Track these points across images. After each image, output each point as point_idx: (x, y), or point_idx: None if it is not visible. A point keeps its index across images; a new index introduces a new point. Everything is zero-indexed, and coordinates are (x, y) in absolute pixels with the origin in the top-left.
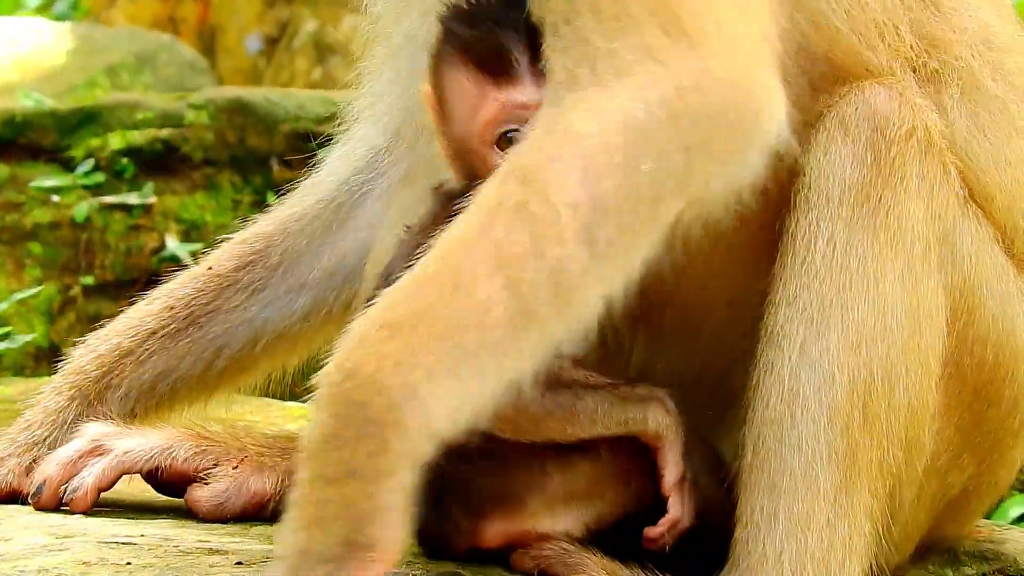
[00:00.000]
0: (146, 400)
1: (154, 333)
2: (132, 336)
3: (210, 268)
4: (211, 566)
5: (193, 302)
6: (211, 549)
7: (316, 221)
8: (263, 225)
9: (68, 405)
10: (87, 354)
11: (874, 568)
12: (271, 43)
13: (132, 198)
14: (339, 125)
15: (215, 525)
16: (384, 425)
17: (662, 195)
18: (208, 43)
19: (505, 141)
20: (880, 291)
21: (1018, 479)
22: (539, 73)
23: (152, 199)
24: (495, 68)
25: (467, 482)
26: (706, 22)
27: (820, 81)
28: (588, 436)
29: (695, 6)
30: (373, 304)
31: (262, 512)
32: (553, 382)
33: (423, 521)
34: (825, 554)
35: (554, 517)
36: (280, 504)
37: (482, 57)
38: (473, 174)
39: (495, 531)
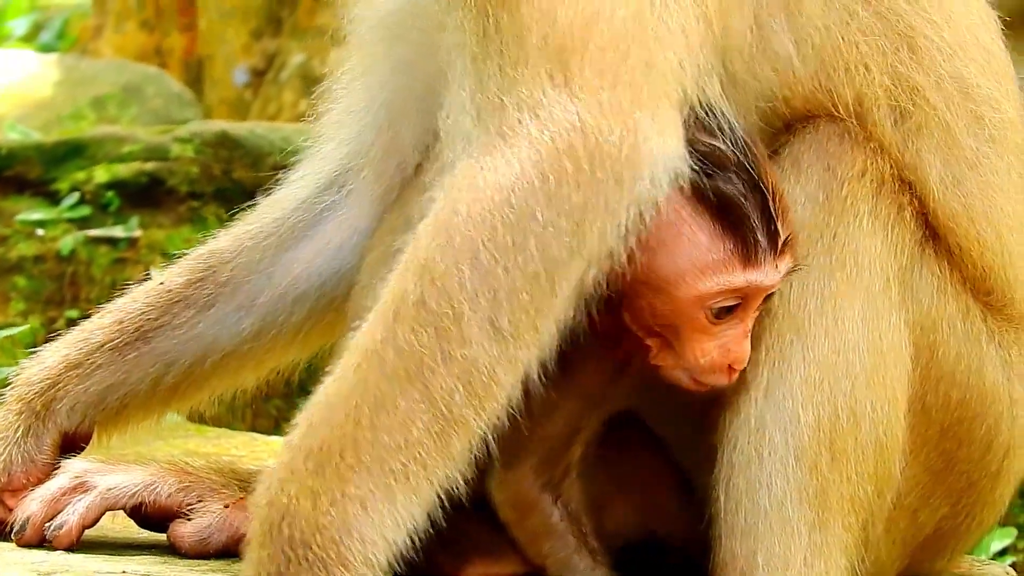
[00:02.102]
0: (94, 413)
1: (102, 346)
2: (80, 349)
3: (162, 283)
4: None
5: (142, 317)
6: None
7: (271, 239)
8: (219, 242)
9: (16, 420)
10: (35, 367)
11: None
12: (258, 75)
13: (118, 231)
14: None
15: (198, 561)
16: (327, 563)
17: (559, 265)
18: (195, 75)
19: (723, 312)
20: (840, 329)
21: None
22: (787, 247)
23: (138, 232)
24: (754, 241)
25: (452, 527)
26: (593, 65)
27: (779, 118)
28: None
29: (586, 46)
30: (298, 426)
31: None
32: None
33: (404, 562)
34: None
35: (532, 566)
36: None
37: (743, 225)
38: (647, 307)
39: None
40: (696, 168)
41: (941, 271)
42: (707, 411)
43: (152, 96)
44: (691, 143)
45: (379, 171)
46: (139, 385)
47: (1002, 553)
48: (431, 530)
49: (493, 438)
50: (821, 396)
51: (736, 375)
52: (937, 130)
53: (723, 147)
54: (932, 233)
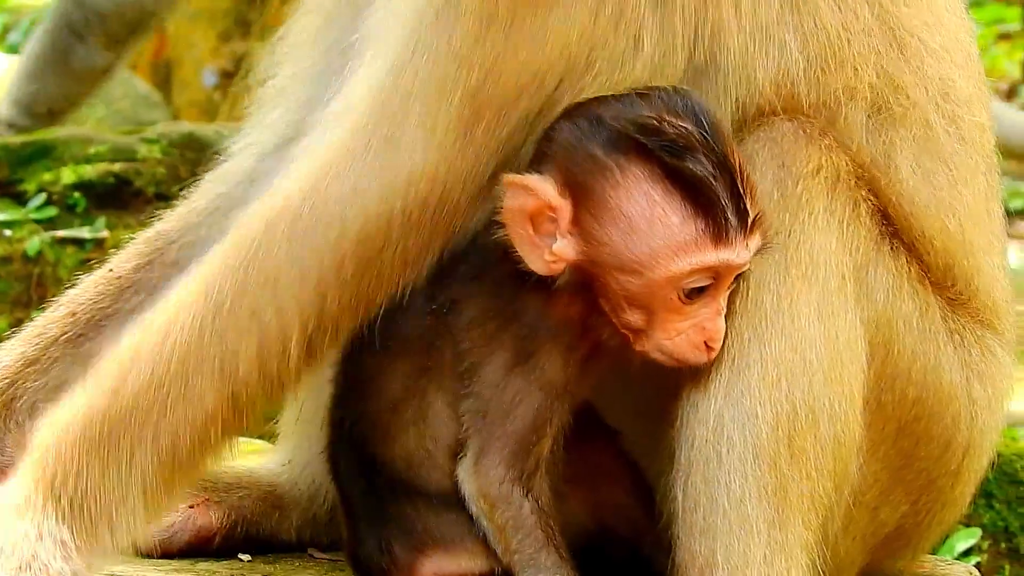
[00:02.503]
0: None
1: (56, 340)
2: (35, 344)
3: (111, 271)
4: None
5: (95, 306)
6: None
7: (216, 213)
8: (165, 223)
9: None
10: None
11: None
12: (227, 77)
13: (84, 232)
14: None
15: (162, 560)
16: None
17: (374, 297)
18: (164, 77)
19: (694, 292)
20: (797, 326)
21: (964, 513)
22: (755, 225)
23: (104, 233)
24: (724, 220)
25: (411, 519)
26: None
27: (748, 111)
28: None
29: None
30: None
31: (208, 546)
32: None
33: (362, 548)
34: None
35: (492, 561)
36: (226, 538)
37: (713, 204)
38: (620, 290)
39: (431, 568)
40: (666, 150)
41: (898, 268)
42: (666, 407)
43: (120, 98)
44: (659, 124)
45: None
46: None
47: (967, 553)
48: (388, 521)
49: (462, 423)
50: (779, 394)
51: (714, 353)
52: (916, 125)
53: (691, 128)
54: (890, 230)
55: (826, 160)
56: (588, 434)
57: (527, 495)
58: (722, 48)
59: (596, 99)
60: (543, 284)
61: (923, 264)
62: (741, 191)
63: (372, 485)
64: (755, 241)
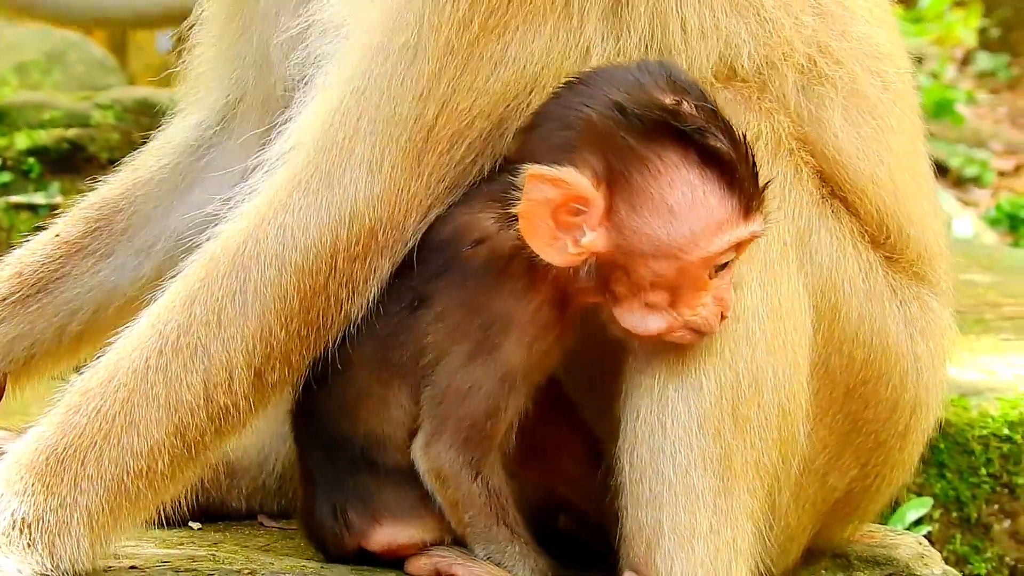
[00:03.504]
0: (3, 365)
1: (4, 300)
2: None
3: (57, 235)
4: (106, 570)
5: (42, 268)
6: (109, 552)
7: (163, 184)
8: (110, 189)
9: None
10: None
11: (762, 570)
12: (182, 41)
13: (39, 198)
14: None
15: None
16: (38, 546)
17: (327, 324)
18: (119, 41)
19: (721, 267)
20: (739, 295)
21: (916, 483)
22: (763, 202)
23: (58, 199)
24: (748, 192)
25: (368, 490)
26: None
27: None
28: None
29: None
30: (51, 415)
31: (157, 515)
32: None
33: (316, 514)
34: (713, 559)
35: (444, 532)
36: (175, 507)
37: (736, 174)
38: (649, 276)
39: (384, 537)
40: (695, 132)
41: (840, 230)
42: (607, 387)
43: (75, 62)
44: (678, 106)
45: (260, 111)
46: (44, 335)
47: (918, 523)
48: (345, 490)
49: (421, 408)
50: (722, 364)
51: (726, 321)
52: (843, 82)
53: (701, 105)
54: (830, 191)
55: (766, 125)
56: (546, 406)
57: (476, 477)
58: (670, 47)
59: (594, 78)
60: (515, 275)
61: (860, 219)
62: (753, 162)
63: (332, 457)
64: (764, 210)
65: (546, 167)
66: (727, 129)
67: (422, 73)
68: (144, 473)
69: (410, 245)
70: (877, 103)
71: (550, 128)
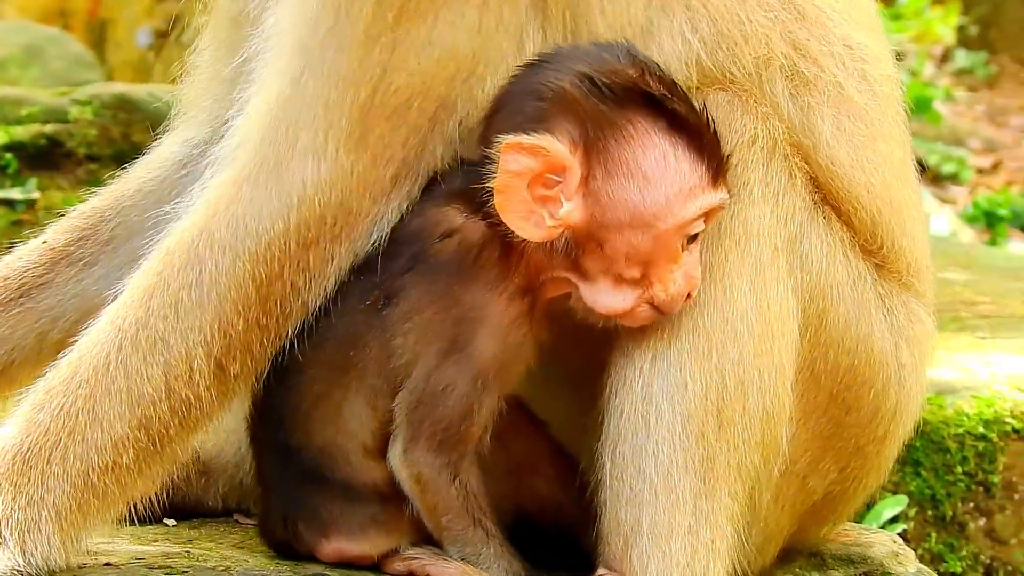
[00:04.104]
0: None
1: None
2: None
3: (44, 242)
4: (81, 567)
5: (26, 274)
6: (82, 549)
7: (150, 197)
8: (99, 200)
9: None
10: None
11: (738, 570)
12: (161, 37)
13: (16, 193)
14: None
15: None
16: (8, 543)
17: (286, 312)
18: (98, 36)
19: (693, 236)
20: (728, 299)
21: (891, 481)
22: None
23: (36, 194)
24: (716, 159)
25: (317, 505)
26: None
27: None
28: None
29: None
30: (16, 414)
31: (133, 512)
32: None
33: (270, 522)
34: (690, 560)
35: (395, 544)
36: (151, 504)
37: (705, 142)
38: (624, 247)
39: (333, 550)
40: (664, 100)
41: (832, 237)
42: (593, 385)
43: (54, 58)
44: (644, 76)
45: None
46: (25, 340)
47: (894, 520)
48: (295, 502)
49: (396, 417)
50: (709, 365)
51: (690, 302)
52: (828, 87)
53: (664, 77)
54: (822, 196)
55: (762, 129)
56: (515, 425)
57: (455, 480)
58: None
59: (556, 56)
60: (485, 265)
61: (852, 227)
62: (716, 132)
63: (284, 468)
64: (728, 182)
65: (523, 136)
66: (688, 99)
67: (351, 57)
68: (110, 468)
69: (372, 236)
70: (867, 109)
71: (520, 102)
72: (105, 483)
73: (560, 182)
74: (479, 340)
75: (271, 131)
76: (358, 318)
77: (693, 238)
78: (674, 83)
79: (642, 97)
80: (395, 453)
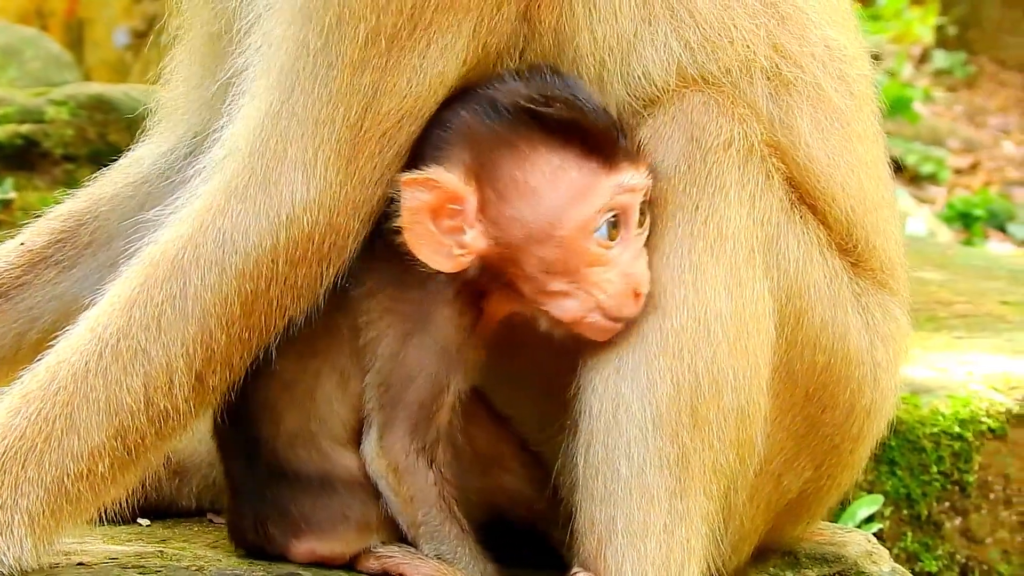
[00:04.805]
0: None
1: None
2: None
3: (22, 244)
4: (54, 567)
5: (5, 275)
6: (55, 550)
7: (129, 201)
8: (76, 202)
9: None
10: None
11: (712, 569)
12: (139, 37)
13: None
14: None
15: None
16: None
17: (269, 327)
18: (76, 36)
19: (609, 228)
20: (702, 299)
21: (866, 480)
22: (639, 153)
23: (12, 194)
24: (606, 150)
25: (287, 503)
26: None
27: (645, 92)
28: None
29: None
30: None
31: (106, 512)
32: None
33: (239, 524)
34: (665, 559)
35: (367, 542)
36: (124, 504)
37: (589, 138)
38: (539, 264)
39: (305, 550)
40: (556, 117)
41: (808, 237)
42: (562, 383)
43: (31, 58)
44: (546, 96)
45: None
46: (3, 340)
47: (869, 520)
48: (265, 501)
49: (369, 405)
50: (680, 365)
51: (642, 303)
52: (808, 88)
53: (571, 95)
54: (798, 196)
55: (739, 131)
56: (478, 419)
57: (431, 464)
58: (583, 54)
59: (482, 85)
60: None
61: (827, 226)
62: (620, 128)
63: (252, 465)
64: (644, 166)
65: (416, 171)
66: (598, 112)
67: (343, 77)
68: (85, 476)
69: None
70: (845, 109)
71: (428, 134)
72: (79, 489)
73: (461, 211)
74: (438, 320)
75: (260, 143)
76: (326, 301)
77: (613, 227)
78: (581, 98)
79: (530, 114)
80: (370, 442)
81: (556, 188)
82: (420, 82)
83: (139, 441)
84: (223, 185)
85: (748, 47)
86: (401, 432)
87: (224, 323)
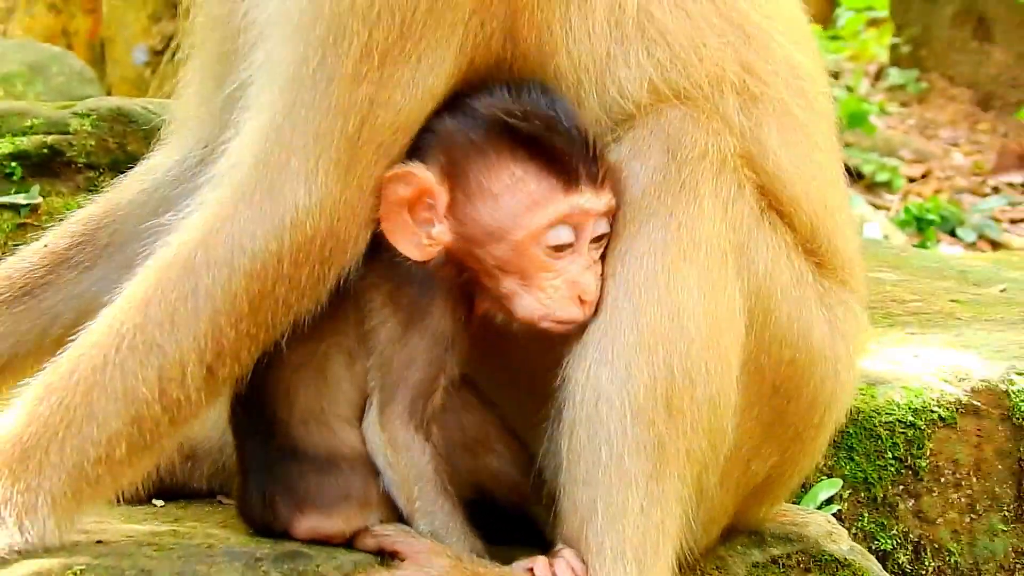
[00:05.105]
0: None
1: None
2: None
3: (46, 246)
4: (74, 544)
5: (29, 274)
6: (75, 530)
7: (144, 207)
8: (96, 207)
9: None
10: None
11: (685, 548)
12: (156, 55)
13: (20, 199)
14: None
15: None
16: (6, 524)
17: (276, 324)
18: (98, 54)
19: (560, 247)
20: (676, 299)
21: (826, 465)
22: (605, 181)
23: (38, 200)
24: (568, 170)
25: (295, 480)
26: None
27: (621, 108)
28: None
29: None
30: (17, 406)
31: (123, 493)
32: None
33: (248, 501)
34: (642, 538)
35: (366, 520)
36: (140, 486)
37: (555, 157)
38: (495, 262)
39: (308, 526)
40: (528, 129)
41: (776, 240)
42: (547, 375)
43: (56, 74)
44: (524, 109)
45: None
46: (27, 335)
47: (829, 501)
48: (274, 479)
49: (371, 384)
50: (656, 359)
51: (590, 309)
52: (772, 103)
53: (549, 111)
54: (768, 203)
55: (712, 144)
56: (467, 402)
57: (427, 440)
58: (561, 80)
59: (469, 94)
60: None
61: (794, 229)
62: (590, 149)
63: (265, 445)
64: (607, 193)
65: (398, 167)
66: (573, 131)
67: (341, 90)
68: (103, 460)
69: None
70: (806, 123)
71: (418, 137)
72: (98, 473)
73: (433, 206)
74: (435, 313)
75: (265, 154)
76: (334, 290)
77: (565, 245)
78: (559, 116)
79: (504, 127)
80: (371, 418)
81: (514, 196)
82: (413, 95)
83: (153, 428)
84: (231, 192)
85: (717, 64)
86: (400, 409)
87: (233, 320)
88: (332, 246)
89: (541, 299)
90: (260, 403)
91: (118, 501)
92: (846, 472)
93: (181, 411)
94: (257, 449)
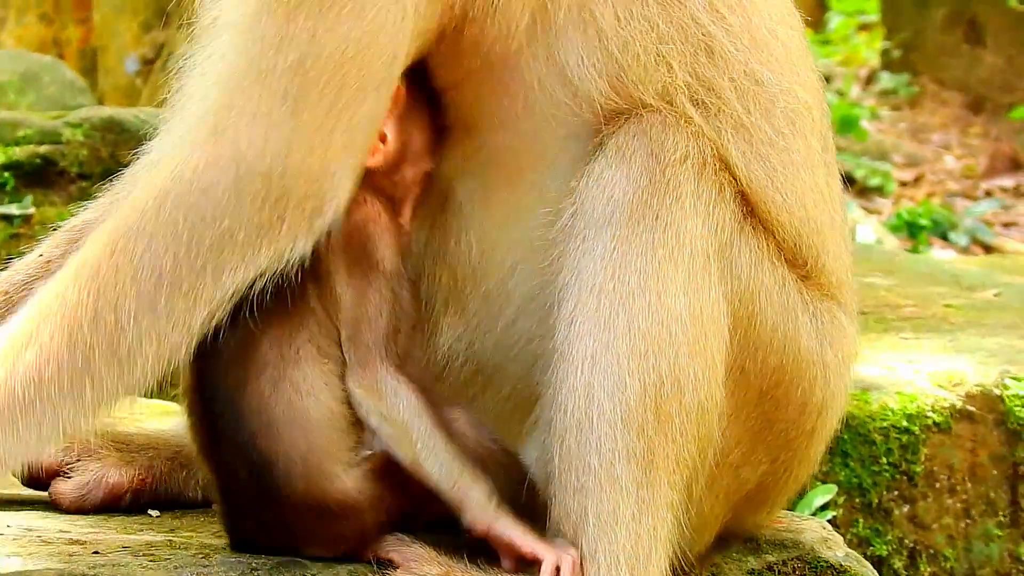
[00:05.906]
0: None
1: None
2: None
3: (41, 255)
4: (71, 555)
5: (26, 287)
6: (71, 539)
7: None
8: (90, 212)
9: None
10: None
11: (678, 555)
12: (148, 64)
13: (13, 209)
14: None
15: (77, 516)
16: None
17: (224, 267)
18: (90, 63)
19: None
20: (663, 303)
21: (821, 471)
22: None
23: (31, 210)
24: None
25: (288, 524)
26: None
27: (597, 117)
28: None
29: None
30: None
31: (119, 503)
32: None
33: (242, 523)
34: (634, 546)
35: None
36: (137, 496)
37: None
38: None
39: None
40: None
41: (759, 245)
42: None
43: (48, 84)
44: None
45: None
46: None
47: (824, 507)
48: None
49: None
50: (646, 365)
51: None
52: (730, 118)
53: None
54: (750, 210)
55: (693, 147)
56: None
57: (409, 381)
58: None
59: None
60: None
61: (777, 242)
62: None
63: (255, 491)
64: None
65: None
66: None
67: (274, 24)
68: (34, 382)
69: (331, 213)
70: (778, 138)
71: None
72: (34, 400)
73: None
74: (381, 251)
75: (213, 100)
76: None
77: None
78: None
79: None
80: (353, 377)
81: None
82: (360, 27)
83: (89, 355)
84: (181, 142)
85: (669, 71)
86: (375, 359)
87: (192, 256)
88: (292, 182)
89: None
90: (241, 449)
91: (114, 511)
92: (841, 478)
93: (121, 344)
94: (243, 494)
